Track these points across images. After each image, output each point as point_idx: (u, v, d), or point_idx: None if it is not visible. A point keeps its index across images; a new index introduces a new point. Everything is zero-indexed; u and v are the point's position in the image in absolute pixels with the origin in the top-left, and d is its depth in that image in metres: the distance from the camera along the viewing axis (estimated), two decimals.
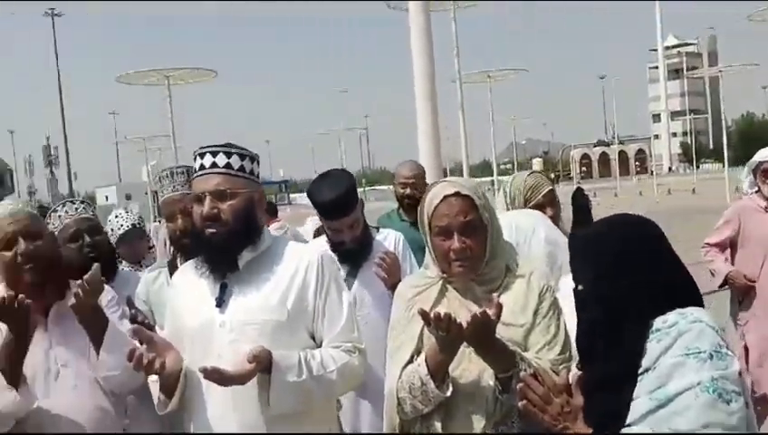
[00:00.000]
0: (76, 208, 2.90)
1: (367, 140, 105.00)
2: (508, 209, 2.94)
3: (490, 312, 1.80)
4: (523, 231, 2.47)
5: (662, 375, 1.56)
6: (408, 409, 1.96)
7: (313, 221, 6.38)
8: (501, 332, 1.90)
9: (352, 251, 3.03)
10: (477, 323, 1.78)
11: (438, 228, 2.01)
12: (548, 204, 2.89)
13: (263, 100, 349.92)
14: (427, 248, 2.11)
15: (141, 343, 2.10)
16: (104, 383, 2.31)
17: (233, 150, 2.23)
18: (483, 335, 1.82)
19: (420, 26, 7.06)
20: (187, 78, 29.49)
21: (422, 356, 1.94)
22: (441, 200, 2.02)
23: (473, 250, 2.00)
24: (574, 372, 1.80)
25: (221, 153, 2.20)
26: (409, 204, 4.35)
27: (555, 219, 2.88)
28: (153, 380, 2.27)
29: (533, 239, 2.47)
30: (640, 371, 1.60)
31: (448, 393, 1.91)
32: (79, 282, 2.21)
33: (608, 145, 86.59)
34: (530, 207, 2.86)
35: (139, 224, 3.41)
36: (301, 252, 2.32)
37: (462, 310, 1.94)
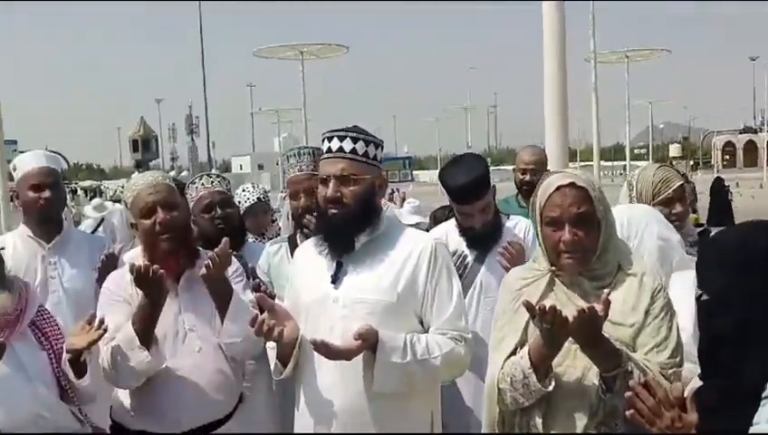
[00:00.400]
0: (212, 181, 3.08)
1: (495, 118, 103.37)
2: (631, 202, 2.82)
3: (598, 308, 1.76)
4: (635, 226, 2.40)
5: None
6: (508, 400, 1.95)
7: (412, 204, 6.38)
8: (609, 331, 1.85)
9: (481, 236, 3.01)
10: (584, 319, 1.74)
11: (549, 218, 1.97)
12: (677, 199, 2.75)
13: (391, 75, 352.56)
14: (537, 239, 2.08)
15: (262, 311, 2.23)
16: (226, 349, 2.47)
17: (359, 136, 2.30)
18: (589, 331, 1.78)
19: (552, 4, 6.81)
20: (319, 53, 30.30)
21: (525, 349, 1.93)
22: (555, 190, 1.98)
23: (584, 243, 1.94)
24: (692, 386, 1.71)
25: (348, 138, 2.28)
26: (527, 190, 4.25)
27: (683, 216, 2.74)
28: (271, 347, 2.39)
29: (645, 234, 2.40)
30: (765, 394, 1.50)
31: (550, 388, 1.89)
32: (210, 254, 2.37)
33: (755, 132, 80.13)
34: (658, 202, 2.74)
35: (263, 198, 3.58)
36: (416, 238, 2.37)
37: (569, 305, 1.90)
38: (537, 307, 1.77)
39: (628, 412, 1.62)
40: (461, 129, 59.24)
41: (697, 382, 1.75)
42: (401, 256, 2.28)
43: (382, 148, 2.37)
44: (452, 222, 3.19)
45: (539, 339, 1.86)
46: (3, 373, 2.18)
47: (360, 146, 2.28)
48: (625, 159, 32.68)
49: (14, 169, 3.19)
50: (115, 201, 10.65)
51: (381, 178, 2.35)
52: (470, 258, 2.99)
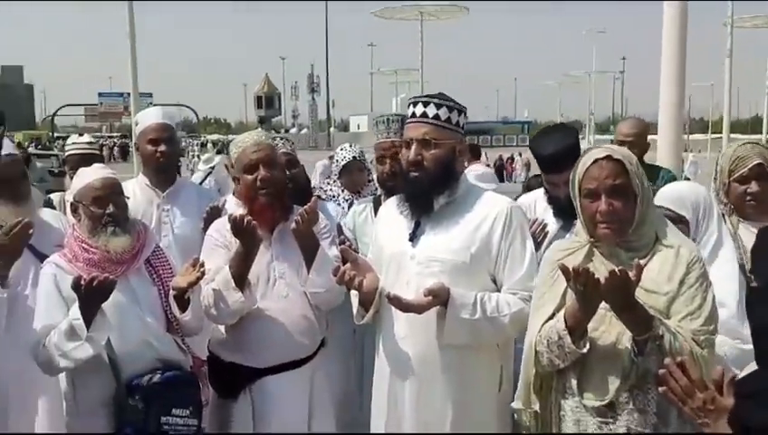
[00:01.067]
0: (276, 144, 3.26)
1: (621, 84, 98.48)
2: (715, 183, 2.79)
3: (630, 273, 1.83)
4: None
5: None
6: (544, 362, 2.08)
7: (475, 172, 6.27)
8: (644, 298, 1.94)
9: (567, 206, 3.06)
10: (615, 281, 1.83)
11: (587, 190, 2.06)
12: (753, 178, 2.70)
13: (514, 38, 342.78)
14: (576, 211, 2.15)
15: (345, 262, 2.44)
16: (311, 298, 2.71)
17: (443, 102, 2.44)
18: (621, 295, 1.86)
19: None
20: (439, 14, 30.12)
21: (561, 313, 2.05)
22: (592, 163, 2.07)
23: (620, 213, 2.02)
24: (732, 376, 1.71)
25: (432, 104, 2.43)
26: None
27: (758, 196, 2.66)
28: (355, 295, 2.59)
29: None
30: None
31: (584, 350, 2.00)
32: (300, 210, 2.58)
33: None
34: (734, 179, 2.74)
35: (359, 157, 3.75)
36: (493, 201, 2.51)
37: (611, 269, 1.96)
38: (572, 269, 1.87)
39: (660, 389, 1.70)
40: (585, 94, 56.91)
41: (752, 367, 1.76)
42: (477, 219, 2.43)
43: (465, 114, 2.51)
44: (541, 191, 3.25)
45: (574, 303, 1.97)
46: (119, 303, 2.51)
47: (443, 112, 2.42)
48: (762, 132, 30.48)
49: (137, 124, 3.54)
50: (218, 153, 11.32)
51: (463, 144, 2.50)
52: (555, 227, 3.04)
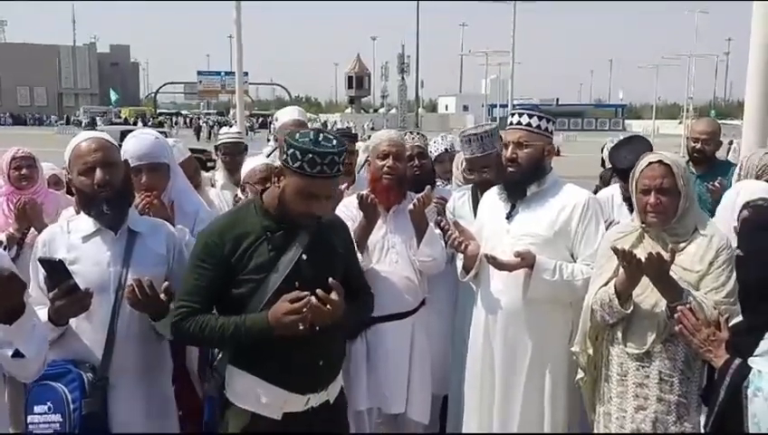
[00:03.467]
0: (413, 138, 3.93)
1: (725, 67, 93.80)
2: (739, 178, 3.36)
3: (665, 255, 2.44)
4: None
5: None
6: (597, 318, 2.72)
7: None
8: (680, 274, 2.54)
9: None
10: (652, 260, 2.44)
11: (642, 187, 2.66)
12: None
13: (610, 18, 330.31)
14: (634, 201, 2.75)
15: (447, 239, 3.16)
16: (420, 265, 3.41)
17: (534, 113, 3.10)
18: (657, 271, 2.47)
19: None
20: None
21: (613, 281, 2.67)
22: (647, 165, 2.66)
23: (665, 207, 2.61)
24: (726, 317, 2.37)
25: (525, 114, 3.10)
26: (698, 158, 4.65)
27: None
28: (459, 257, 3.26)
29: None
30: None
31: (628, 311, 2.62)
32: (418, 196, 3.26)
33: None
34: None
35: (450, 149, 4.35)
36: (575, 192, 3.16)
37: (649, 251, 2.56)
38: (620, 250, 2.49)
39: (676, 327, 2.33)
40: (685, 76, 54.77)
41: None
42: (560, 204, 3.09)
43: (554, 122, 3.15)
44: (617, 186, 3.82)
45: (623, 274, 2.59)
46: None
47: (534, 120, 3.08)
48: None
49: (276, 120, 4.32)
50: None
51: (551, 146, 3.15)
52: (629, 220, 3.57)
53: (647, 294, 2.60)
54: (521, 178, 3.06)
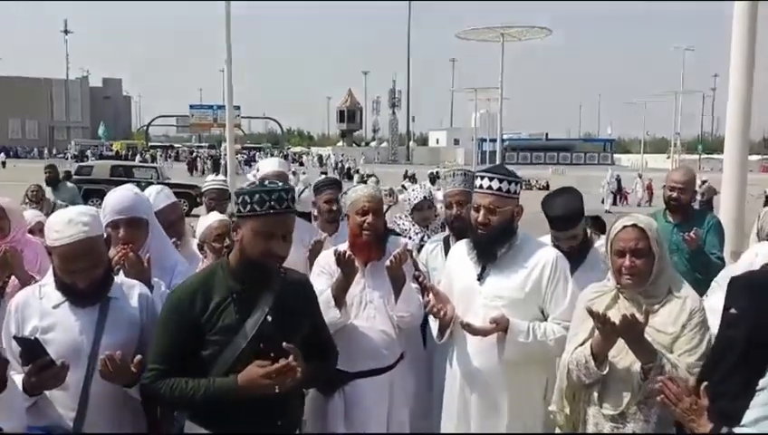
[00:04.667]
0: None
1: (712, 102, 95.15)
2: (758, 238, 3.32)
3: (639, 317, 2.45)
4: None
5: None
6: (574, 378, 2.72)
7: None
8: (654, 336, 2.55)
9: (570, 254, 3.63)
10: (626, 323, 2.46)
11: (616, 249, 2.69)
12: None
13: (597, 55, 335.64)
14: (609, 263, 2.79)
15: (424, 290, 3.17)
16: (397, 321, 3.41)
17: (504, 177, 3.12)
18: (631, 333, 2.49)
19: (743, 4, 6.82)
20: (521, 35, 30.47)
21: (589, 341, 2.68)
22: (621, 229, 2.70)
23: (640, 269, 2.64)
24: (705, 385, 2.27)
25: (495, 178, 3.12)
26: (674, 206, 4.71)
27: None
28: (433, 320, 3.24)
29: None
30: (758, 388, 2.06)
31: (604, 372, 2.63)
32: (395, 253, 3.29)
33: None
34: (766, 237, 3.30)
35: (429, 197, 4.42)
36: (542, 251, 3.19)
37: (624, 313, 2.56)
38: (596, 313, 2.50)
39: (658, 397, 2.30)
40: (672, 112, 55.50)
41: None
42: (530, 265, 3.12)
43: (521, 183, 3.19)
44: (548, 237, 3.80)
45: (598, 336, 2.60)
46: None
47: (503, 185, 3.11)
48: None
49: (258, 170, 4.36)
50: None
51: (519, 207, 3.19)
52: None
53: (622, 356, 2.62)
54: (492, 242, 3.10)
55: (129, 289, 2.71)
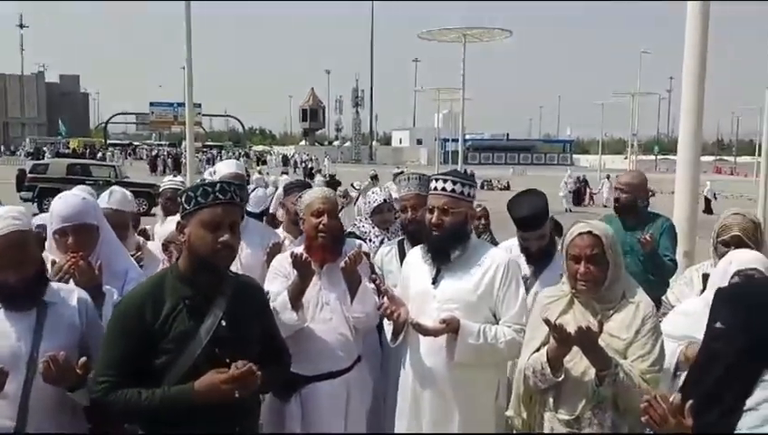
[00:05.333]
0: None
1: (668, 103, 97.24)
2: (714, 245, 3.45)
3: (594, 326, 2.48)
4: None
5: (764, 417, 1.98)
6: (530, 383, 2.74)
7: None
8: (608, 341, 2.58)
9: (536, 257, 3.69)
10: (581, 333, 2.48)
11: (572, 255, 2.72)
12: (734, 245, 3.29)
13: (558, 57, 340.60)
14: (564, 268, 2.82)
15: (380, 292, 3.15)
16: (353, 322, 3.39)
17: (457, 179, 3.16)
18: (587, 341, 2.51)
19: (696, 3, 6.98)
20: (482, 36, 30.57)
21: (545, 348, 2.70)
22: (577, 235, 2.72)
23: (594, 275, 2.67)
24: (690, 404, 2.12)
25: (449, 181, 3.15)
26: (618, 207, 4.81)
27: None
28: (387, 323, 3.25)
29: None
30: (745, 408, 2.00)
31: (560, 378, 2.65)
32: (350, 254, 3.28)
33: None
34: (719, 242, 3.38)
35: (388, 199, 4.41)
36: (495, 254, 3.22)
37: (581, 319, 2.65)
38: (552, 322, 2.52)
39: (643, 418, 2.17)
40: (630, 113, 56.47)
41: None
42: (483, 268, 3.14)
43: (475, 187, 3.22)
44: (515, 240, 3.89)
45: (554, 343, 2.62)
46: None
47: (458, 187, 3.14)
48: None
49: (214, 172, 4.30)
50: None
51: (473, 210, 3.22)
52: (527, 272, 3.68)
53: (576, 362, 2.64)
54: (445, 243, 3.11)
55: (68, 294, 2.64)
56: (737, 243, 3.29)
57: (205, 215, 2.38)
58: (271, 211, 4.46)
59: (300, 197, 3.58)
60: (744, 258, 2.90)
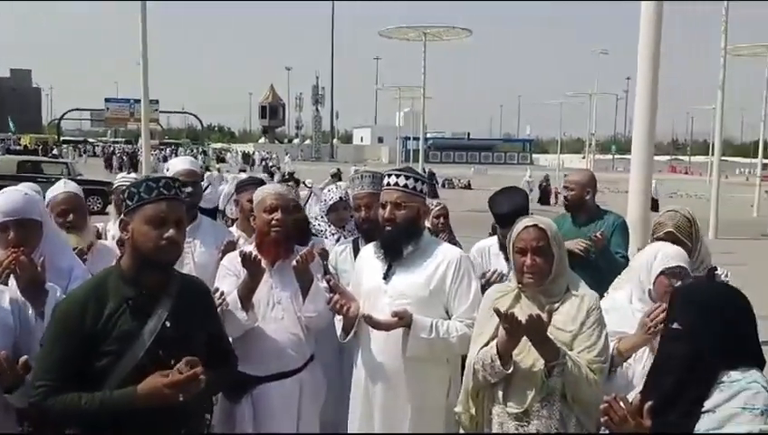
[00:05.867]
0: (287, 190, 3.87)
1: (625, 104, 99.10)
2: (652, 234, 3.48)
3: (544, 316, 2.51)
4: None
5: (721, 419, 2.00)
6: (480, 377, 2.74)
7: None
8: (554, 334, 2.60)
9: None
10: (532, 323, 2.49)
11: (518, 248, 2.75)
12: (669, 241, 3.30)
13: (517, 57, 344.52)
14: (510, 262, 2.84)
15: (333, 291, 3.12)
16: (305, 321, 3.36)
17: (410, 175, 3.17)
18: (536, 332, 2.53)
19: (650, 3, 7.11)
20: (442, 35, 30.81)
21: (494, 341, 2.70)
22: (523, 228, 2.75)
23: (540, 268, 2.70)
24: (649, 405, 2.13)
25: (402, 176, 3.16)
26: (571, 205, 4.85)
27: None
28: (338, 319, 3.21)
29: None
30: (703, 409, 2.02)
31: (509, 371, 2.66)
32: (302, 252, 3.24)
33: None
34: (654, 238, 3.43)
35: (344, 197, 4.38)
36: (447, 251, 3.23)
37: (528, 313, 2.63)
38: (502, 312, 2.53)
39: (602, 418, 2.18)
40: (586, 114, 57.42)
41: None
42: (435, 264, 3.14)
43: (426, 183, 3.21)
44: (491, 239, 3.94)
45: (504, 335, 2.62)
46: None
47: (410, 182, 3.14)
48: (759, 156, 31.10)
49: (167, 169, 4.20)
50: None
51: (425, 206, 3.23)
52: (507, 269, 3.67)
53: (524, 354, 2.65)
54: (398, 238, 3.11)
55: None
56: (672, 239, 3.34)
57: (148, 211, 2.32)
58: (220, 208, 4.38)
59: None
60: (670, 254, 2.94)
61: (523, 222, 2.77)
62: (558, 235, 2.76)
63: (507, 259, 3.65)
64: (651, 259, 2.95)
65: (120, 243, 3.68)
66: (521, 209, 3.66)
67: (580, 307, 2.68)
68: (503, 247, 3.74)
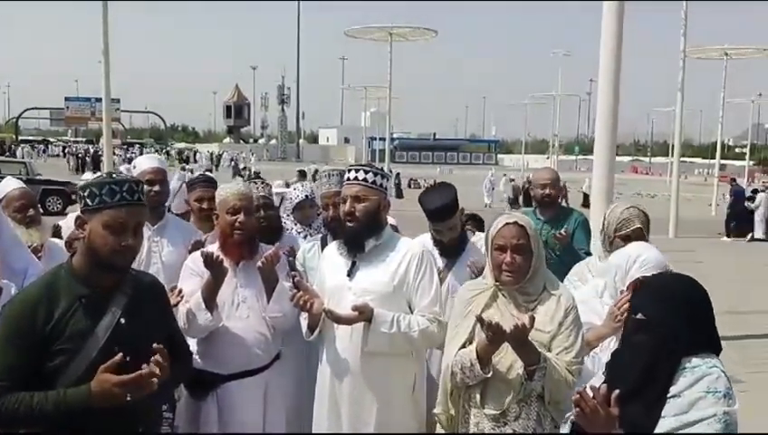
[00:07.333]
0: (257, 188, 3.84)
1: (588, 105, 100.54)
2: (602, 234, 3.42)
3: (527, 322, 2.45)
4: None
5: (686, 404, 2.01)
6: (458, 380, 2.69)
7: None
8: (533, 334, 2.53)
9: (449, 248, 3.70)
10: (516, 330, 2.44)
11: (497, 245, 2.69)
12: (635, 238, 3.25)
13: (483, 58, 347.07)
14: (487, 260, 2.79)
15: (298, 289, 3.07)
16: (270, 321, 3.29)
17: (370, 169, 3.15)
18: (518, 338, 2.47)
19: (612, 4, 7.25)
20: (408, 36, 30.85)
21: (474, 344, 2.65)
22: (503, 225, 2.70)
23: (520, 266, 2.65)
24: (617, 393, 2.06)
25: (362, 170, 3.13)
26: (548, 202, 4.90)
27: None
28: (303, 317, 3.18)
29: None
30: (669, 395, 2.04)
31: (489, 375, 2.61)
32: (267, 253, 3.18)
33: None
34: (618, 236, 3.30)
35: (310, 196, 4.34)
36: (409, 245, 3.21)
37: (506, 312, 2.62)
38: (486, 321, 2.47)
39: (575, 410, 2.11)
40: (550, 115, 58.11)
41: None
42: (398, 258, 3.12)
43: (388, 179, 3.18)
44: (428, 234, 3.87)
45: (484, 340, 2.56)
46: None
47: (370, 176, 3.12)
48: (725, 158, 31.82)
49: (134, 167, 4.11)
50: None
51: (386, 201, 3.19)
52: (441, 264, 3.68)
53: (503, 356, 2.61)
54: (359, 232, 3.08)
55: None
56: (639, 236, 3.28)
57: (108, 216, 2.23)
58: (167, 204, 4.29)
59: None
60: (648, 259, 2.78)
61: (503, 218, 2.73)
62: (537, 233, 2.73)
63: (441, 255, 3.69)
64: (630, 263, 2.82)
65: (69, 244, 3.63)
66: (451, 204, 3.64)
67: (558, 307, 2.65)
68: (437, 242, 3.71)
